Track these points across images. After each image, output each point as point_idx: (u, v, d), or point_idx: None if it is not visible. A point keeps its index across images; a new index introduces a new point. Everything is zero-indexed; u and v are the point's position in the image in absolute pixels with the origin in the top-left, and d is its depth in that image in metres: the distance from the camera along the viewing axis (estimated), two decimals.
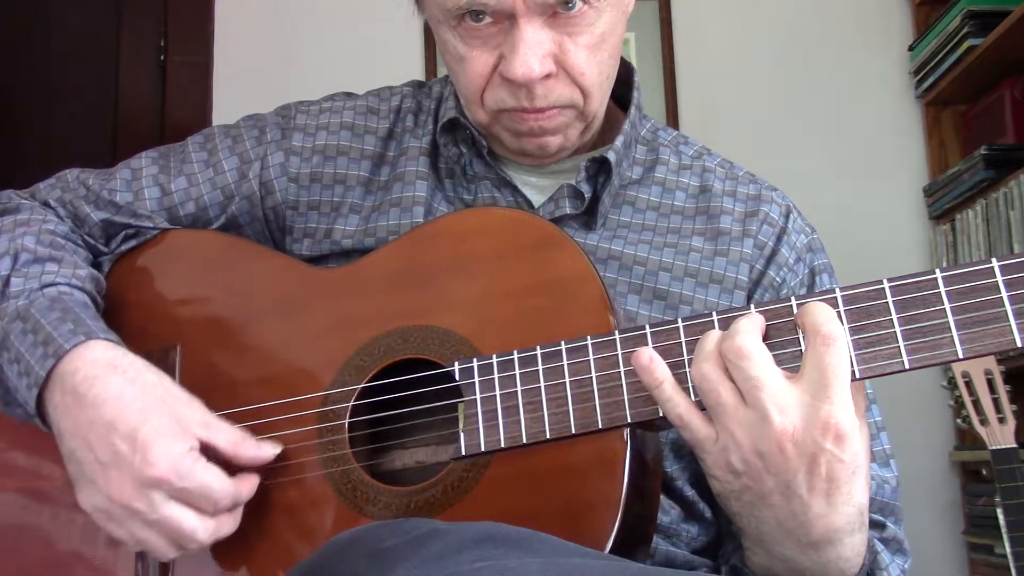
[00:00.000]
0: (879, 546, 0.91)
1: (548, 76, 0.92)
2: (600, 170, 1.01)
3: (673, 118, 2.81)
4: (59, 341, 0.88)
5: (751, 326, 0.74)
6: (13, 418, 0.96)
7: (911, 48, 2.83)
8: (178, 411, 0.86)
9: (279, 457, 0.88)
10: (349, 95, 1.13)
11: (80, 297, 0.95)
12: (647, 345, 0.78)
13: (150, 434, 0.83)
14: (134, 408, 0.84)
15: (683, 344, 0.77)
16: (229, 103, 2.80)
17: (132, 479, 0.82)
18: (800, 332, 0.74)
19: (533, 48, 0.90)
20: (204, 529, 0.84)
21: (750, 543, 0.80)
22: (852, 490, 0.74)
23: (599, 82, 0.96)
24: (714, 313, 0.77)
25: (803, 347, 0.73)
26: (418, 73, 2.82)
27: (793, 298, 0.76)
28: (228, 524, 0.86)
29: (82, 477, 0.86)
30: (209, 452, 0.85)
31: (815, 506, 0.73)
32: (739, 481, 0.74)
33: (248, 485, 0.87)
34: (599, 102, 0.98)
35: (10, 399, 0.94)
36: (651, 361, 0.76)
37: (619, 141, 1.02)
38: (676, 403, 0.75)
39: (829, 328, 0.71)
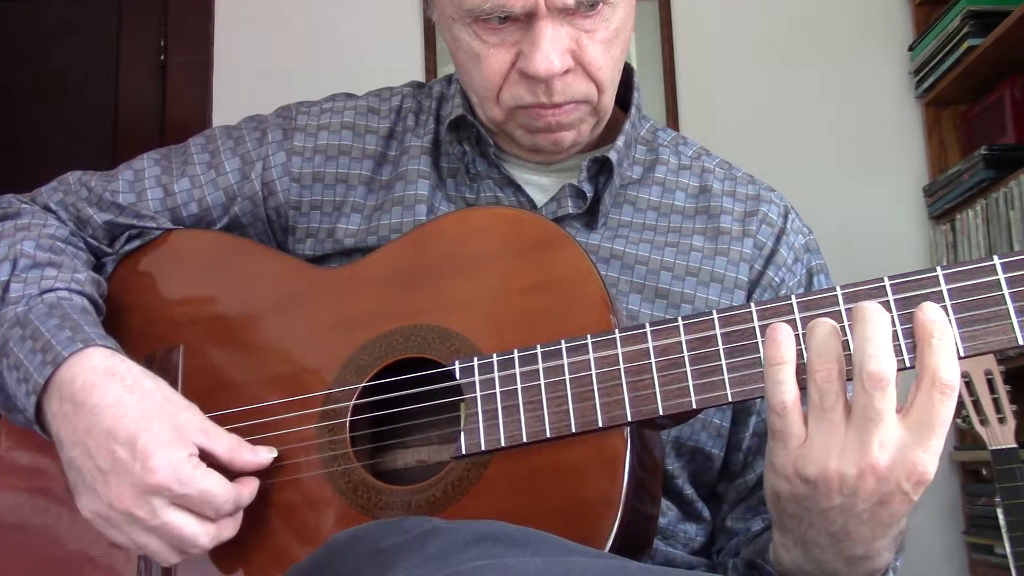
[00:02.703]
0: None
1: (566, 72, 0.93)
2: (601, 170, 1.02)
3: (673, 118, 2.81)
4: (57, 348, 0.88)
5: (886, 342, 0.70)
6: (15, 424, 0.96)
7: (911, 48, 2.83)
8: (177, 417, 0.86)
9: (279, 457, 0.88)
10: (350, 96, 1.13)
11: (79, 302, 0.95)
12: (646, 344, 0.78)
13: (150, 441, 0.83)
14: (133, 415, 0.84)
15: (683, 343, 0.77)
16: (229, 103, 2.80)
17: (132, 486, 0.82)
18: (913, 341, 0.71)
19: (554, 44, 0.91)
20: (205, 533, 0.84)
21: (789, 542, 0.80)
22: (904, 519, 0.75)
23: (612, 76, 0.97)
24: (714, 312, 0.77)
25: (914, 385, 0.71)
26: (418, 73, 2.82)
27: (793, 296, 0.76)
28: (229, 528, 0.86)
29: (82, 484, 0.86)
30: (208, 458, 0.85)
31: (869, 530, 0.74)
32: (806, 488, 0.73)
33: (249, 489, 0.87)
34: (611, 96, 0.99)
35: (11, 405, 0.93)
36: (787, 338, 0.73)
37: (620, 141, 1.02)
38: (786, 389, 0.72)
39: (949, 376, 0.70)
